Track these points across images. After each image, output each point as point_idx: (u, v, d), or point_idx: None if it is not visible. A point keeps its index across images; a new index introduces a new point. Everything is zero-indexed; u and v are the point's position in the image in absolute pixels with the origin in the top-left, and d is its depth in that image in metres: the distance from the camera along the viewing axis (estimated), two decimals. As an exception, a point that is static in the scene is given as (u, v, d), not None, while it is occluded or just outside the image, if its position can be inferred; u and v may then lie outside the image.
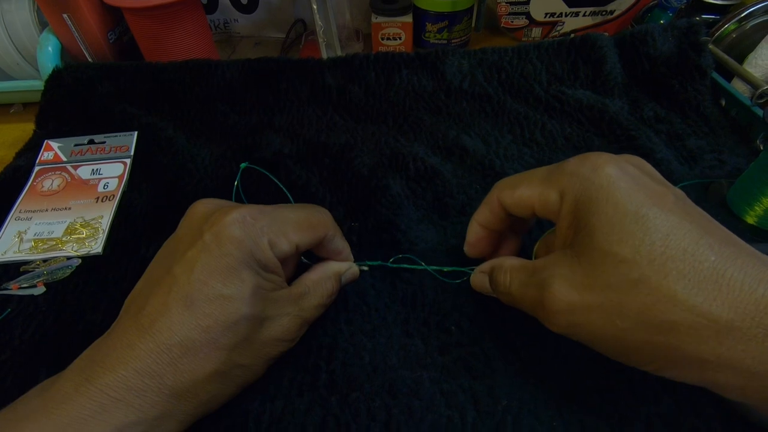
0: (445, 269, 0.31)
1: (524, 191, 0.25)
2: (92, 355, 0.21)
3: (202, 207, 0.26)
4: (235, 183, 0.36)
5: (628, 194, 0.20)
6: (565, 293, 0.21)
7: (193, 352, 0.21)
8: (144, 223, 0.36)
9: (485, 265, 0.28)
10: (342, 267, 0.29)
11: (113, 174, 0.40)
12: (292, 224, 0.26)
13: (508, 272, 0.25)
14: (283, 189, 0.35)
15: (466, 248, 0.30)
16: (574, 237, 0.22)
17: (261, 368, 0.24)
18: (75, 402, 0.20)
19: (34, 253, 0.34)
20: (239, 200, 0.35)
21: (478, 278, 0.29)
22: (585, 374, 0.26)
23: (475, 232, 0.29)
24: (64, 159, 0.41)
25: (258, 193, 0.37)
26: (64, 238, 0.35)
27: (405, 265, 0.32)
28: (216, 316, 0.22)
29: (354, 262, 0.31)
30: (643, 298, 0.19)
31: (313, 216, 0.27)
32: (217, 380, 0.22)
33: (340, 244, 0.29)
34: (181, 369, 0.21)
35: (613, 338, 0.20)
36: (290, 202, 0.35)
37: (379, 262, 0.32)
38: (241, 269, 0.23)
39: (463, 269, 0.31)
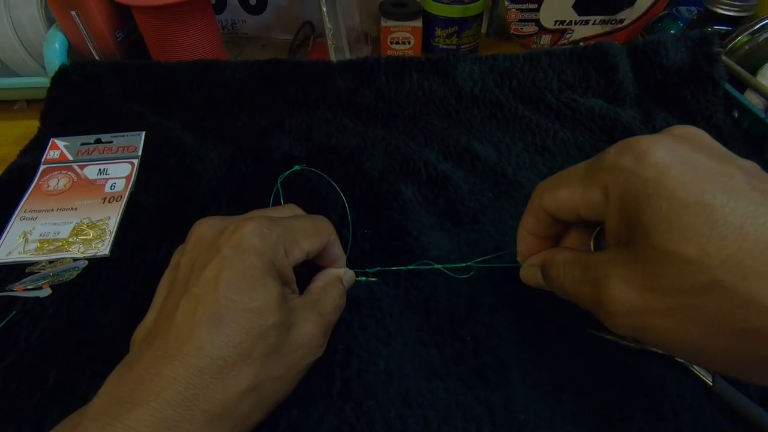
0: (451, 266, 0.31)
1: (564, 194, 0.22)
2: (115, 392, 0.20)
3: (207, 227, 0.25)
4: (277, 185, 0.35)
5: (683, 183, 0.18)
6: (624, 295, 0.19)
7: (226, 371, 0.20)
8: (152, 225, 0.36)
9: (535, 258, 0.27)
10: (340, 272, 0.29)
11: (120, 174, 0.40)
12: (302, 232, 0.26)
13: (561, 267, 0.23)
14: (338, 190, 0.35)
15: (519, 258, 0.28)
16: (628, 235, 0.19)
17: (292, 381, 0.24)
18: None
19: (39, 254, 0.34)
20: (277, 202, 0.35)
21: (529, 272, 0.27)
22: (603, 387, 0.26)
23: (525, 241, 0.27)
24: (71, 158, 0.41)
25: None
26: (70, 239, 0.35)
27: (405, 267, 0.31)
28: (247, 330, 0.21)
29: (362, 277, 0.31)
30: (717, 303, 0.16)
31: (317, 223, 0.27)
32: (250, 397, 0.21)
33: (339, 250, 0.29)
34: (214, 390, 0.20)
35: (685, 343, 0.18)
36: (346, 205, 0.34)
37: (377, 268, 0.31)
38: (265, 279, 0.22)
39: (469, 263, 0.31)
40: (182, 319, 0.21)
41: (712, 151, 0.19)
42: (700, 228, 0.17)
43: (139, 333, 0.23)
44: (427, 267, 0.31)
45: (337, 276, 0.28)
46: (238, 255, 0.22)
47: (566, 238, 0.27)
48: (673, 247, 0.17)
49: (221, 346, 0.20)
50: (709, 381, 0.26)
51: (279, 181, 0.34)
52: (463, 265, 0.31)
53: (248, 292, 0.22)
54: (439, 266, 0.31)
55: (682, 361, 0.26)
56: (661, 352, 0.27)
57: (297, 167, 0.33)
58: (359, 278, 0.31)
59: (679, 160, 0.18)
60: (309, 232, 0.26)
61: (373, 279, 0.31)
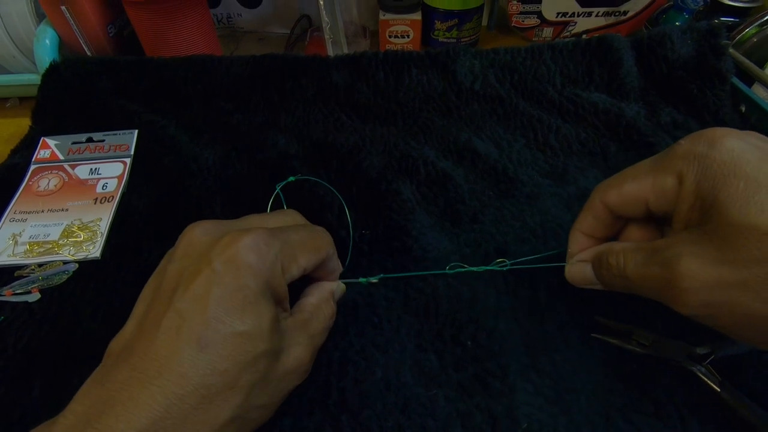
0: (457, 269, 0.31)
1: (632, 187, 0.23)
2: (82, 413, 0.18)
3: (200, 233, 0.23)
4: (277, 191, 0.33)
5: (758, 166, 0.19)
6: (698, 269, 0.19)
7: (209, 400, 0.19)
8: (145, 227, 0.35)
9: (586, 254, 0.26)
10: (333, 285, 0.28)
11: (112, 174, 0.39)
12: (300, 247, 0.24)
13: (621, 254, 0.23)
14: (340, 199, 0.33)
15: (569, 260, 0.28)
16: (700, 217, 0.21)
17: (275, 408, 0.23)
18: None
19: (29, 256, 0.33)
20: (277, 207, 0.33)
21: (577, 268, 0.26)
22: (608, 393, 0.25)
23: (579, 242, 0.27)
24: (62, 157, 0.40)
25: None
26: (60, 242, 0.34)
27: (408, 273, 0.31)
28: (234, 357, 0.19)
29: (362, 278, 0.30)
30: None
31: (316, 237, 0.26)
32: (231, 427, 0.20)
33: (335, 264, 0.27)
34: (194, 421, 0.18)
35: (762, 319, 0.19)
36: (345, 207, 0.33)
37: (381, 275, 0.30)
38: (259, 301, 0.21)
39: (472, 269, 0.30)
40: (164, 338, 0.19)
41: None
42: None
43: (116, 344, 0.21)
44: (430, 273, 0.30)
45: (331, 291, 0.27)
46: (230, 272, 0.21)
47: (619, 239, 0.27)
48: (751, 220, 0.18)
49: (205, 373, 0.19)
50: (716, 387, 0.25)
51: (278, 188, 0.33)
52: (470, 269, 0.31)
53: (239, 315, 0.20)
54: (476, 269, 0.31)
55: (691, 368, 0.25)
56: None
57: (292, 178, 0.31)
58: (360, 279, 0.30)
59: (751, 147, 0.20)
60: (307, 247, 0.24)
61: (374, 280, 0.30)
